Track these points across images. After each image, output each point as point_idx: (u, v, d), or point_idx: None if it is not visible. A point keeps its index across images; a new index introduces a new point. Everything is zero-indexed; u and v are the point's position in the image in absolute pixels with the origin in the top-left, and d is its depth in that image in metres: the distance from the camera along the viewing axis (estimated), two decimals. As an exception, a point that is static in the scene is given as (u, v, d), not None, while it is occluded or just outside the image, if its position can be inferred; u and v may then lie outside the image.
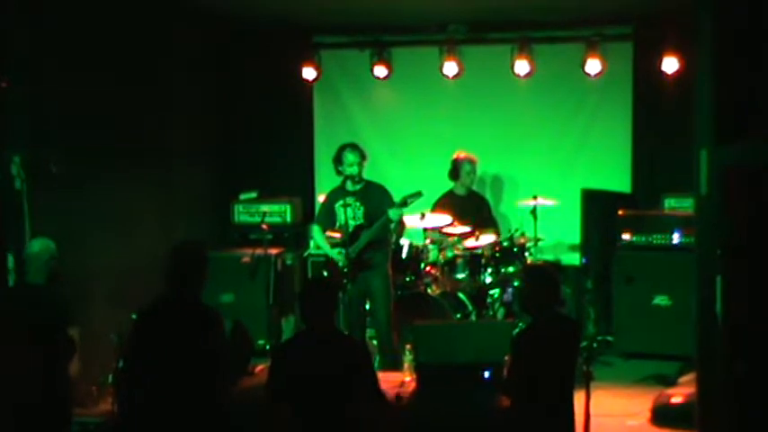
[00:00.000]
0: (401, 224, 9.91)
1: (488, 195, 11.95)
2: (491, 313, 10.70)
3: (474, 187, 11.46)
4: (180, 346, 6.18)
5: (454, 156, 11.29)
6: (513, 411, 6.69)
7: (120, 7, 9.59)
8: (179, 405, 6.15)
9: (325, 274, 9.77)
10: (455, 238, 10.76)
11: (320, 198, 10.55)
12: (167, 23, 10.67)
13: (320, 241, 9.83)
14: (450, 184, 11.34)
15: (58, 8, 8.67)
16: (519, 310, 10.31)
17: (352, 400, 6.22)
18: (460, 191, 11.31)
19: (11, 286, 7.87)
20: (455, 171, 11.26)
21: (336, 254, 9.57)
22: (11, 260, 7.93)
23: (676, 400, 8.37)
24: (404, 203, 9.39)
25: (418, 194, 9.40)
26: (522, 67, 11.62)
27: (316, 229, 9.88)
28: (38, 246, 7.30)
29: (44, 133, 8.51)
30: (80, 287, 8.42)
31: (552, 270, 6.98)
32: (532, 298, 6.72)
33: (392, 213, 9.32)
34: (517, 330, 10.25)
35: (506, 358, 7.11)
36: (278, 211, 11.84)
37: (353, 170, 9.50)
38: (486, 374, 7.65)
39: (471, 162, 11.26)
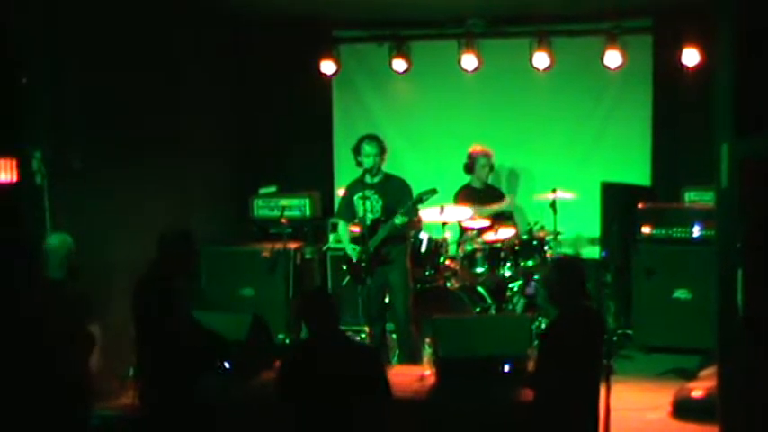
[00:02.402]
0: (418, 218, 9.88)
1: (507, 189, 11.93)
2: (510, 307, 10.71)
3: (490, 180, 11.44)
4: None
5: (470, 149, 11.28)
6: (538, 405, 6.67)
7: (140, 4, 9.61)
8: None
9: (344, 267, 9.77)
10: (474, 232, 10.76)
11: (339, 192, 10.57)
12: (186, 20, 10.69)
13: (343, 235, 9.85)
14: (467, 178, 11.34)
15: (79, 5, 8.70)
16: (542, 303, 10.30)
17: (359, 406, 6.18)
18: (477, 184, 11.30)
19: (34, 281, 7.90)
20: (470, 165, 11.27)
21: (350, 249, 9.60)
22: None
23: (697, 393, 8.35)
24: (419, 200, 9.39)
25: (433, 192, 9.40)
26: (541, 60, 11.59)
27: (341, 224, 9.89)
28: (56, 240, 7.35)
29: (64, 129, 8.55)
30: (100, 281, 8.45)
31: (579, 263, 6.97)
32: (560, 290, 6.69)
33: (397, 219, 9.33)
34: (543, 324, 10.35)
35: (529, 351, 7.11)
36: (297, 206, 11.85)
37: (369, 161, 9.50)
38: (506, 368, 7.67)
39: (486, 156, 11.25)
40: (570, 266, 6.88)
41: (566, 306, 6.66)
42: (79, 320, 7.04)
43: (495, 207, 11.10)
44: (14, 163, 8.05)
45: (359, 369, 6.20)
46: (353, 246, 9.59)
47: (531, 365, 6.92)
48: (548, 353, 6.58)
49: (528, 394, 6.99)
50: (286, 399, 6.27)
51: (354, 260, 9.55)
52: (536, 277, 10.58)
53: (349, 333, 7.99)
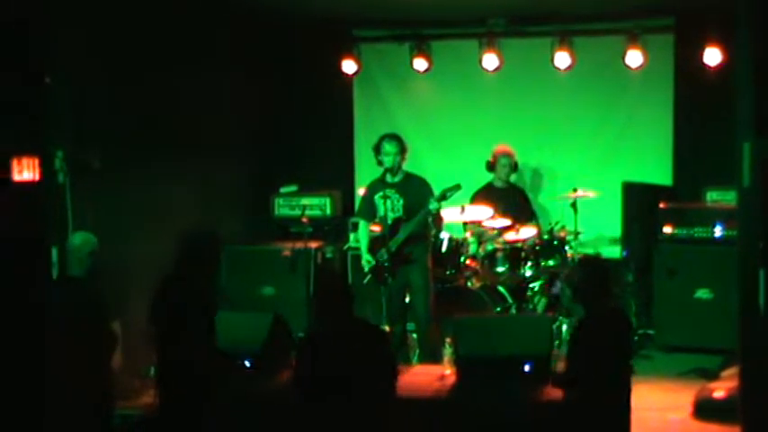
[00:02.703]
0: (440, 218, 9.86)
1: (528, 188, 11.93)
2: (531, 307, 10.69)
3: (512, 180, 11.44)
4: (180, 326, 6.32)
5: (493, 149, 11.28)
6: (568, 405, 6.65)
7: (161, 4, 9.64)
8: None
9: (366, 268, 9.76)
10: (495, 232, 10.75)
11: (360, 191, 10.56)
12: (207, 19, 10.70)
13: (362, 237, 9.83)
14: (489, 177, 11.33)
15: (102, 4, 8.73)
16: (568, 304, 10.30)
17: (372, 392, 6.20)
18: (499, 183, 11.30)
19: (54, 279, 7.92)
20: (492, 164, 11.26)
21: (365, 261, 9.59)
22: (54, 253, 7.98)
23: (719, 394, 8.32)
24: (443, 197, 9.37)
25: (457, 187, 9.38)
26: (562, 59, 11.57)
27: (361, 226, 9.87)
28: (79, 239, 7.38)
29: (86, 129, 8.58)
30: (121, 280, 8.48)
31: (606, 263, 6.95)
32: (587, 291, 6.66)
33: (432, 206, 9.30)
34: (564, 324, 10.34)
35: (555, 352, 7.10)
36: (318, 205, 11.86)
37: (389, 160, 9.49)
38: (527, 368, 7.65)
39: (508, 155, 11.25)
40: (597, 266, 6.86)
41: (593, 306, 6.63)
42: (101, 319, 7.06)
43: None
44: (37, 161, 8.08)
45: (367, 349, 6.24)
46: (369, 257, 9.58)
47: (560, 366, 6.88)
48: (577, 353, 6.56)
49: (557, 394, 6.98)
50: (302, 388, 6.30)
51: (366, 269, 9.57)
52: (561, 277, 10.57)
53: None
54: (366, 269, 9.60)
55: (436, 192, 9.43)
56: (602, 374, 6.44)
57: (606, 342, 6.48)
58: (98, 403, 6.91)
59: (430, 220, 9.53)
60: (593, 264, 7.12)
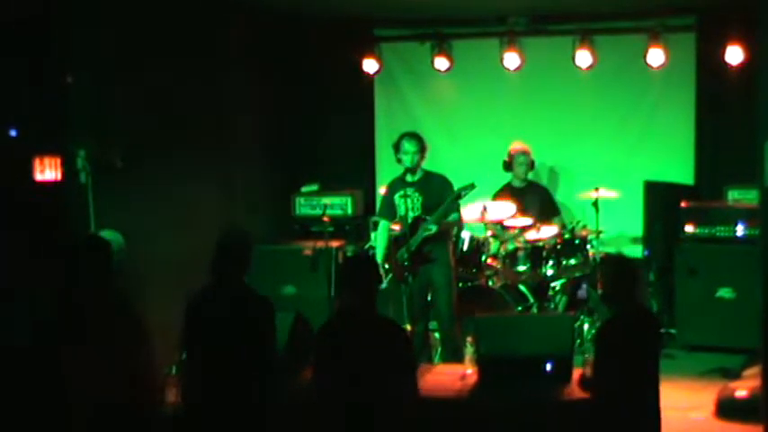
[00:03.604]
0: (460, 217, 9.85)
1: (549, 187, 11.90)
2: (552, 306, 10.69)
3: (530, 177, 11.43)
4: (229, 332, 6.29)
5: (510, 147, 11.28)
6: (598, 406, 6.62)
7: (181, 4, 9.66)
8: (229, 393, 6.26)
9: (386, 266, 9.76)
10: (516, 230, 10.75)
11: (381, 190, 10.56)
12: (228, 18, 10.73)
13: (381, 238, 9.82)
14: (509, 176, 11.33)
15: (123, 4, 8.76)
16: (595, 306, 10.28)
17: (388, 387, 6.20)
18: (518, 182, 11.30)
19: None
20: (509, 163, 11.27)
21: (381, 260, 9.61)
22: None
23: (741, 393, 8.30)
24: (458, 196, 9.37)
25: (471, 187, 9.36)
26: (583, 58, 11.55)
27: (381, 226, 9.85)
28: (107, 237, 7.39)
29: (108, 128, 8.61)
30: (143, 279, 8.49)
31: (634, 262, 6.91)
32: (616, 290, 6.62)
33: (424, 232, 9.32)
34: (585, 323, 10.33)
35: (587, 356, 7.07)
36: (339, 204, 11.88)
37: (408, 159, 9.47)
38: (548, 367, 7.64)
39: (525, 153, 11.25)
40: (625, 265, 6.82)
41: (621, 306, 6.59)
42: (129, 317, 7.06)
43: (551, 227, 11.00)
44: (59, 161, 8.13)
45: (386, 344, 6.23)
46: (385, 264, 9.62)
47: (588, 367, 6.84)
48: (605, 353, 6.52)
49: (579, 394, 6.96)
50: (317, 372, 6.31)
51: (385, 268, 9.61)
52: (589, 278, 10.59)
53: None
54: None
55: (455, 188, 9.43)
56: (630, 375, 6.40)
57: (634, 342, 6.45)
58: (132, 400, 6.86)
59: (450, 218, 9.51)
60: (620, 262, 7.07)
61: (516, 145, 11.27)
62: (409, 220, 9.40)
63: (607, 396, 6.52)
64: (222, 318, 6.39)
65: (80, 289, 6.17)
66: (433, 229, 9.29)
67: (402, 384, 6.25)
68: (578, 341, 9.97)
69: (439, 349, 9.76)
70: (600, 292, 7.00)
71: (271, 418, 6.41)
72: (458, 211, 9.59)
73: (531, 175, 11.47)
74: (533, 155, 11.32)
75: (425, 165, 9.61)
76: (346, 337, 6.28)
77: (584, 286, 10.78)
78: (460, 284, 10.03)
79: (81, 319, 6.01)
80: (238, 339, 6.30)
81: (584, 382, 6.89)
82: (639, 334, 6.54)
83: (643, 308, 6.78)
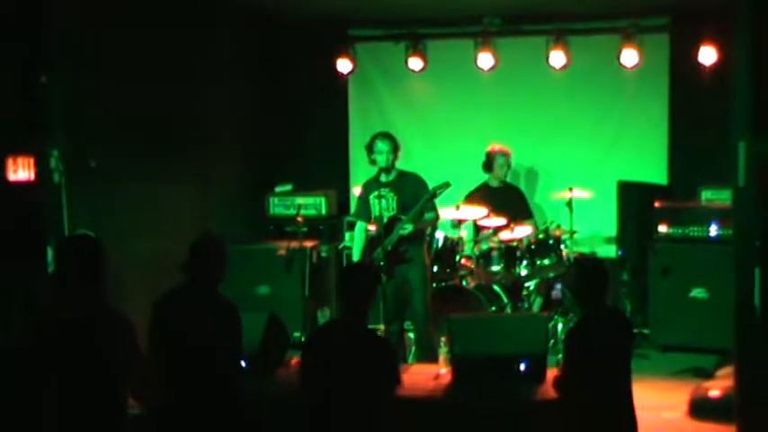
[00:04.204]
0: (436, 216, 9.85)
1: (523, 187, 11.93)
2: (526, 306, 10.70)
3: (508, 179, 11.44)
4: (193, 334, 6.28)
5: (488, 148, 11.28)
6: (566, 409, 6.61)
7: (157, 4, 9.63)
8: (197, 396, 6.24)
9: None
10: (490, 231, 10.76)
11: (356, 191, 10.57)
12: (203, 19, 10.71)
13: (358, 240, 9.81)
14: (485, 177, 11.34)
15: (98, 4, 8.73)
16: (570, 306, 10.30)
17: (376, 396, 6.17)
18: (495, 183, 11.31)
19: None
20: (489, 163, 11.27)
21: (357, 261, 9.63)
22: (50, 253, 7.98)
23: (714, 393, 8.33)
24: (433, 194, 9.37)
25: (446, 185, 9.36)
26: (557, 58, 11.57)
27: (357, 228, 9.83)
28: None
29: (82, 128, 8.57)
30: (117, 281, 8.45)
31: (603, 263, 6.91)
32: (587, 292, 6.61)
33: (402, 230, 9.32)
34: (559, 323, 10.35)
35: (560, 356, 7.07)
36: (313, 204, 11.87)
37: (382, 159, 9.47)
38: (522, 367, 7.66)
39: (505, 154, 11.25)
40: (595, 266, 6.83)
41: (592, 308, 6.59)
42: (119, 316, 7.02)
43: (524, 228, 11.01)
44: (32, 161, 8.08)
45: (375, 357, 6.21)
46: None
47: (558, 369, 6.84)
48: (573, 355, 6.53)
49: (553, 393, 6.96)
50: (306, 382, 6.29)
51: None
52: (559, 280, 10.62)
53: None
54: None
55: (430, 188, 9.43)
56: (601, 376, 6.41)
57: (602, 344, 6.45)
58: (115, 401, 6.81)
59: (426, 217, 9.51)
60: (590, 263, 7.09)
61: (495, 146, 11.27)
62: (384, 221, 9.41)
63: (576, 397, 6.51)
64: (186, 319, 6.36)
65: (68, 288, 6.11)
66: (409, 228, 9.30)
67: (385, 400, 6.23)
68: (552, 341, 9.99)
69: (413, 349, 9.76)
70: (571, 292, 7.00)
71: (236, 419, 6.38)
72: (434, 209, 9.60)
73: (508, 177, 11.49)
74: (508, 155, 11.35)
75: (399, 165, 9.61)
76: (334, 349, 6.23)
77: (559, 287, 10.81)
78: (434, 284, 10.03)
79: (74, 319, 5.96)
80: (202, 342, 6.28)
81: (556, 382, 6.89)
82: (610, 334, 6.53)
83: (614, 309, 6.78)
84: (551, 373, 7.27)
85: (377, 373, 6.16)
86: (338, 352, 6.17)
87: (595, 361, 6.39)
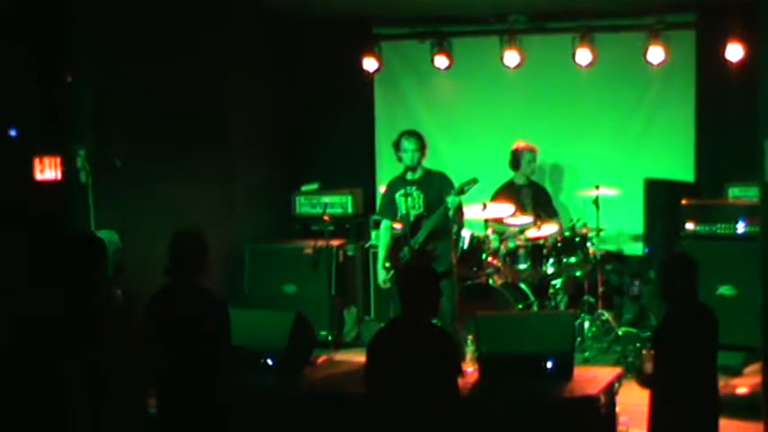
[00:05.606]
0: (460, 214, 9.84)
1: (549, 185, 11.89)
2: (553, 304, 10.68)
3: (534, 177, 11.42)
4: (182, 332, 6.33)
5: (514, 146, 11.25)
6: (656, 404, 6.55)
7: (182, 4, 9.66)
8: (183, 392, 6.29)
9: (387, 264, 9.74)
10: (517, 229, 10.74)
11: (381, 189, 10.56)
12: (229, 18, 10.74)
13: (384, 238, 9.81)
14: (510, 174, 11.31)
15: (124, 4, 8.77)
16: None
17: (431, 394, 6.15)
18: (521, 180, 11.28)
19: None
20: (515, 161, 11.24)
21: (382, 265, 9.62)
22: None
23: (741, 390, 8.30)
24: (460, 191, 9.34)
25: (474, 181, 9.33)
26: (583, 56, 11.53)
27: (384, 224, 9.83)
28: (103, 238, 7.39)
29: (108, 128, 8.62)
30: (142, 279, 8.49)
31: (693, 259, 6.81)
32: (678, 287, 6.54)
33: (450, 200, 9.28)
34: (586, 321, 10.33)
35: (645, 352, 7.01)
36: (339, 203, 11.88)
37: (408, 157, 9.47)
38: (549, 365, 7.64)
39: (532, 151, 11.22)
40: (687, 262, 6.74)
41: (682, 303, 6.51)
42: (131, 315, 7.06)
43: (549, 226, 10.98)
44: (59, 161, 8.13)
45: (438, 350, 6.18)
46: (387, 264, 9.61)
47: (648, 364, 6.75)
48: (664, 351, 6.45)
49: (580, 391, 6.93)
50: (371, 382, 6.28)
51: (382, 280, 9.62)
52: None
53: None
54: (381, 277, 9.63)
55: (456, 185, 9.42)
56: (691, 370, 6.34)
57: (694, 337, 6.38)
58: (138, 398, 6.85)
59: (451, 214, 9.49)
60: (681, 259, 6.99)
61: (521, 143, 11.24)
62: (411, 219, 9.41)
63: (668, 391, 6.44)
64: (175, 318, 6.39)
65: (75, 288, 6.14)
66: (457, 200, 9.28)
67: (448, 393, 6.22)
68: (579, 339, 9.97)
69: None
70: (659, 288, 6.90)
71: (225, 417, 6.40)
72: (460, 208, 9.58)
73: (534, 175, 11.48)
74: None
75: (425, 163, 9.61)
76: (399, 346, 6.21)
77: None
78: (461, 283, 10.02)
79: (81, 319, 5.98)
80: (191, 339, 6.30)
81: (643, 378, 6.79)
82: (698, 328, 6.46)
83: (701, 305, 6.67)
84: (583, 371, 7.22)
85: (439, 365, 6.15)
86: (402, 351, 6.15)
87: (682, 356, 6.32)
